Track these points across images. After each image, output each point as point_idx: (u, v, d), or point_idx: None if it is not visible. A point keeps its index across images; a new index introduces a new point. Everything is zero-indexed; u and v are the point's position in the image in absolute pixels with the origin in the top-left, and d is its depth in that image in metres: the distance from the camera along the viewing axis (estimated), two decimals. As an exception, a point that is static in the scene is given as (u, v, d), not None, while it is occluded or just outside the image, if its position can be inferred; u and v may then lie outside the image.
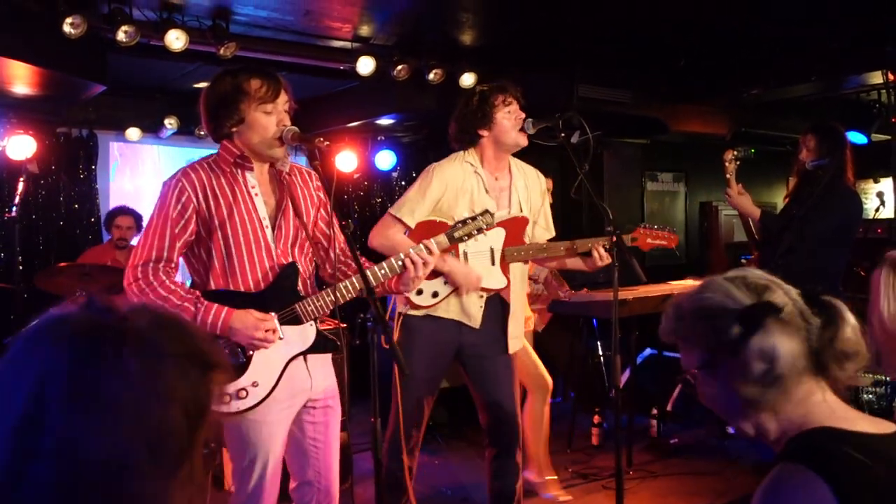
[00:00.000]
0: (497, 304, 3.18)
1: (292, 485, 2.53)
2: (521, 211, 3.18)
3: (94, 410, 0.80)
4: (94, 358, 0.82)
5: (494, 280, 3.13)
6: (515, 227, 3.17)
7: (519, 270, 3.23)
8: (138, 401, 0.82)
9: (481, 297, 3.13)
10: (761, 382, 1.26)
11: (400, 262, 2.45)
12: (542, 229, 3.30)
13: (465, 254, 3.11)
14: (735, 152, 3.14)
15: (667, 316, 1.39)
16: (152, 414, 0.82)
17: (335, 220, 2.51)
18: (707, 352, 1.33)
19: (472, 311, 3.12)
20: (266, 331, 2.27)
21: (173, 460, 0.84)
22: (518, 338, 3.27)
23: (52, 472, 0.79)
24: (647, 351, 5.82)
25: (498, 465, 3.25)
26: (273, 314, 2.34)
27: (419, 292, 3.10)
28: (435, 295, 3.09)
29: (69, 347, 0.83)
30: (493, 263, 3.13)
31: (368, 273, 2.37)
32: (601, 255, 3.11)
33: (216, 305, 2.26)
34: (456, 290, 3.05)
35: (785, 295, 1.31)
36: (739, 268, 1.39)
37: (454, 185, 3.10)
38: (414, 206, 3.07)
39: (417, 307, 3.12)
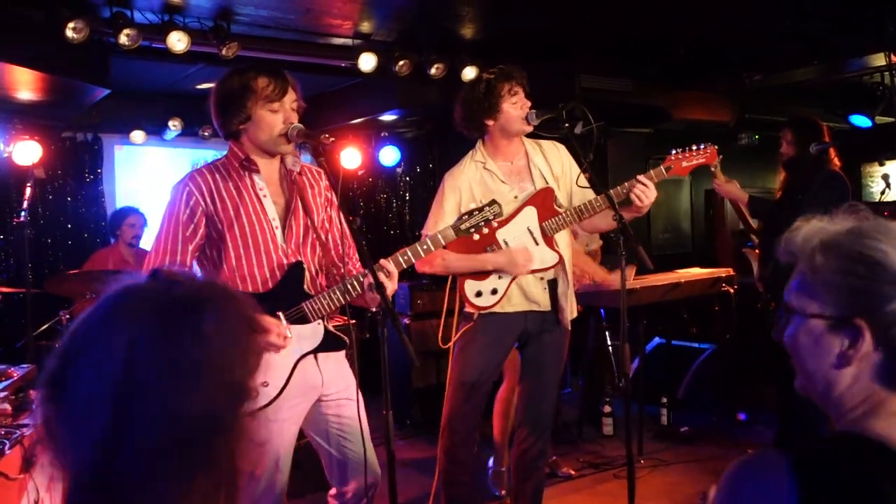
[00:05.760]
0: (557, 283, 3.14)
1: (333, 483, 2.56)
2: (546, 183, 3.13)
3: (183, 372, 0.89)
4: (177, 326, 0.90)
5: (545, 258, 3.09)
6: (544, 200, 3.11)
7: (564, 242, 3.17)
8: (217, 359, 0.91)
9: (541, 279, 3.11)
10: (879, 378, 1.07)
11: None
12: (579, 192, 3.15)
13: (506, 242, 3.09)
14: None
15: (809, 245, 1.13)
16: (228, 370, 0.93)
17: (342, 217, 2.52)
18: (842, 310, 1.09)
19: (538, 296, 3.11)
20: (276, 335, 2.23)
21: (241, 413, 0.94)
22: (570, 306, 3.17)
23: (152, 435, 0.86)
24: (656, 340, 5.82)
25: (524, 464, 3.24)
26: (280, 314, 2.36)
27: (478, 294, 3.09)
28: (494, 292, 3.09)
29: (154, 319, 0.90)
30: (537, 243, 3.09)
31: (359, 278, 2.38)
32: (640, 195, 2.90)
33: None
34: (514, 278, 3.05)
35: None
36: None
37: (467, 187, 3.12)
38: (437, 219, 3.10)
39: (481, 308, 3.10)
